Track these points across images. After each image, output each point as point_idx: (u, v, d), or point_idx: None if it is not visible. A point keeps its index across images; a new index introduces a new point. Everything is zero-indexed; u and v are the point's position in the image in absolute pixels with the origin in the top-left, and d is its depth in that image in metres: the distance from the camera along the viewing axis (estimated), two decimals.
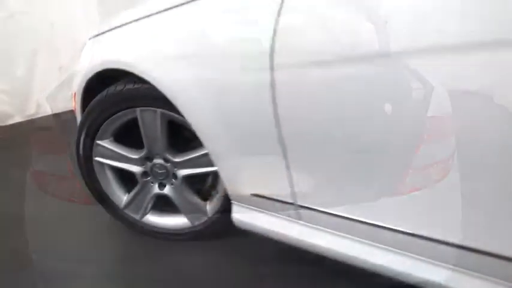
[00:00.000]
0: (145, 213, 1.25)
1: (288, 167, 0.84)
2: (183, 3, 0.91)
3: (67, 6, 3.05)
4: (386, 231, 0.75)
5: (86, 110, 1.15)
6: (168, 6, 0.95)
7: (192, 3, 0.89)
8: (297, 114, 0.77)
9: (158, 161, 1.15)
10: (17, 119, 3.04)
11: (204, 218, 1.18)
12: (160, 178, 1.18)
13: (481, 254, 0.64)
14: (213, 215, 1.16)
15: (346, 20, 0.68)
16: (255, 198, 0.95)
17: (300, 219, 0.89)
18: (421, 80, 0.61)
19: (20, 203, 1.64)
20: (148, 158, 1.15)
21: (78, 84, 1.21)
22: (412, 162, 0.67)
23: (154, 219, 1.26)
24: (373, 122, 0.69)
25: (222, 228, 1.16)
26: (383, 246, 0.78)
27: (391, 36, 0.62)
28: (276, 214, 0.93)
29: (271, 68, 0.75)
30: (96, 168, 1.22)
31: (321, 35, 0.70)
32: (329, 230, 0.86)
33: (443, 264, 0.70)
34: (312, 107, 0.75)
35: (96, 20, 3.06)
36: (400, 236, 0.73)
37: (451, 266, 0.70)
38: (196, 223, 1.20)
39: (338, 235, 0.85)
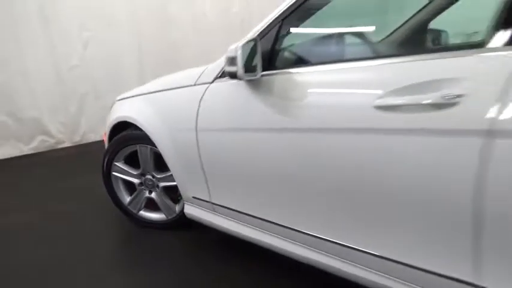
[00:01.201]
0: (140, 209, 1.97)
1: (206, 181, 1.54)
2: (159, 91, 1.69)
3: (109, 62, 3.99)
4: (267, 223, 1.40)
5: (109, 144, 1.93)
6: (152, 91, 1.72)
7: (162, 92, 1.66)
8: (209, 155, 1.48)
9: (148, 176, 1.88)
10: (67, 144, 3.95)
11: (174, 214, 1.88)
12: (149, 187, 1.91)
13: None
14: (180, 212, 1.86)
15: (239, 108, 1.37)
16: (195, 199, 1.65)
17: (215, 211, 1.58)
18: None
19: (63, 203, 2.44)
20: (142, 174, 1.89)
21: (107, 128, 2.01)
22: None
23: (145, 213, 1.98)
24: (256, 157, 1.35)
25: (185, 221, 1.84)
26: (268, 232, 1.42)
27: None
28: (204, 209, 1.63)
29: (196, 130, 1.47)
30: (113, 179, 1.98)
31: (221, 114, 1.41)
32: (230, 219, 1.54)
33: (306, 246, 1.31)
34: (215, 152, 1.45)
35: (132, 78, 3.94)
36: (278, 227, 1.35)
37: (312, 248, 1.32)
38: (170, 217, 1.91)
39: (238, 222, 1.51)
